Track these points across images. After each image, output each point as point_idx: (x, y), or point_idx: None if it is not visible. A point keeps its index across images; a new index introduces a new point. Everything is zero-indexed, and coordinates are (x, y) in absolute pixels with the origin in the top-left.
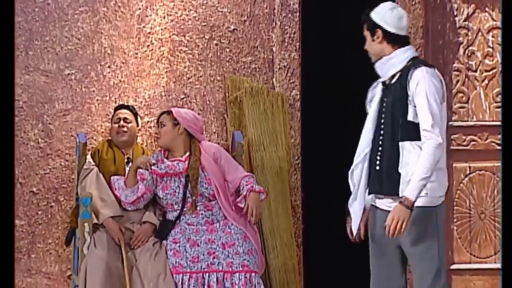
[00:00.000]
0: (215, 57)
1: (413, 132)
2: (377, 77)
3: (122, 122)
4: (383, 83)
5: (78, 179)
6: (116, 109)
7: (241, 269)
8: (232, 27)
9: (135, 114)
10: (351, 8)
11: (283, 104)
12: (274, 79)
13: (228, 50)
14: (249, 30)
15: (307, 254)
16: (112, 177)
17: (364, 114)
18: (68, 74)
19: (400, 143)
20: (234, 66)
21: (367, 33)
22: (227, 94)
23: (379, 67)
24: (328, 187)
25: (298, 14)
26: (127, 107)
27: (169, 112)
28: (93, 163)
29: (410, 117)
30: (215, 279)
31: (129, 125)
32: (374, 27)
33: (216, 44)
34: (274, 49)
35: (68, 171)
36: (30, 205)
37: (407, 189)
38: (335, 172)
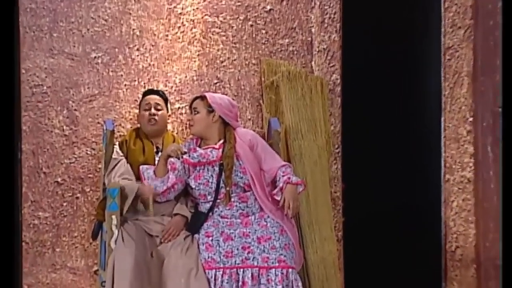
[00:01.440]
0: (250, 39)
1: None
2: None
3: (153, 110)
4: None
5: (105, 169)
6: (144, 94)
7: (277, 264)
8: (269, 7)
9: (165, 100)
10: None
11: (322, 89)
12: (313, 63)
13: (264, 31)
14: (286, 11)
15: (348, 249)
16: (141, 167)
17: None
18: (95, 57)
19: None
20: (270, 48)
21: None
22: (263, 79)
23: None
24: (370, 178)
25: None
26: (156, 92)
27: (203, 98)
28: (121, 154)
29: None
30: (250, 275)
31: (160, 112)
32: None
33: (252, 26)
34: (313, 30)
35: (95, 160)
36: (55, 196)
37: None
38: (377, 161)
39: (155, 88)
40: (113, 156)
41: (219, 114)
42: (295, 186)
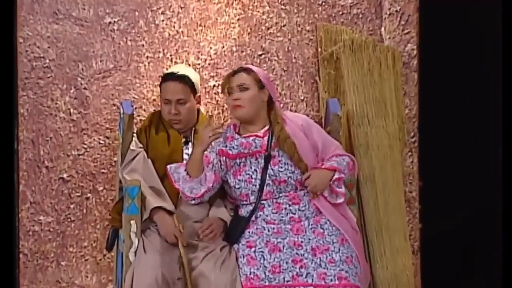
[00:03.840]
0: (304, 0)
1: None
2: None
3: (173, 109)
4: None
5: (122, 162)
6: (163, 79)
7: (337, 282)
8: None
9: (192, 85)
10: None
11: (394, 63)
12: (382, 29)
13: None
14: None
15: (426, 263)
16: (168, 167)
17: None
18: (110, 23)
19: None
20: (329, 11)
21: None
22: (319, 50)
23: None
24: (454, 174)
25: None
26: (177, 78)
27: (249, 71)
28: (140, 145)
29: None
30: None
31: (184, 107)
32: None
33: None
34: None
35: (109, 151)
36: (59, 197)
37: None
38: (462, 153)
39: (185, 62)
40: (131, 147)
41: (269, 92)
42: (328, 172)
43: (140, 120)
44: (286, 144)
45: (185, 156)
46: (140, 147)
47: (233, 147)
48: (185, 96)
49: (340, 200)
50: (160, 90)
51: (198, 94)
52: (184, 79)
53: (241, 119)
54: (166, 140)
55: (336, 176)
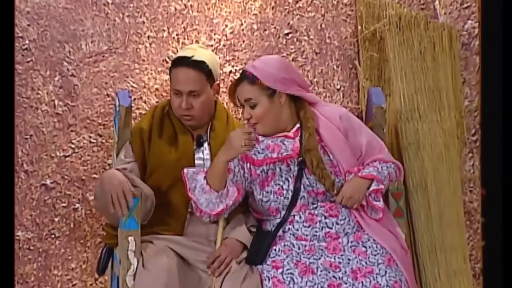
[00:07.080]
0: None
1: None
2: None
3: (184, 103)
4: None
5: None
6: (173, 64)
7: None
8: None
9: (209, 73)
10: None
11: (451, 44)
12: (437, 2)
13: None
14: None
15: None
16: (185, 171)
17: None
18: None
19: None
20: None
21: None
22: (359, 28)
23: None
24: None
25: None
26: (192, 63)
27: (252, 80)
28: (131, 155)
29: None
30: None
31: (198, 100)
32: None
33: None
34: None
35: (102, 152)
36: (41, 208)
37: None
38: None
39: (194, 44)
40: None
41: (286, 92)
42: (364, 181)
43: (140, 114)
44: (309, 155)
45: (197, 162)
46: (130, 159)
47: (258, 151)
48: (200, 87)
49: (377, 215)
50: (170, 77)
51: (217, 82)
52: (199, 66)
53: (262, 135)
54: (173, 141)
55: (374, 187)
